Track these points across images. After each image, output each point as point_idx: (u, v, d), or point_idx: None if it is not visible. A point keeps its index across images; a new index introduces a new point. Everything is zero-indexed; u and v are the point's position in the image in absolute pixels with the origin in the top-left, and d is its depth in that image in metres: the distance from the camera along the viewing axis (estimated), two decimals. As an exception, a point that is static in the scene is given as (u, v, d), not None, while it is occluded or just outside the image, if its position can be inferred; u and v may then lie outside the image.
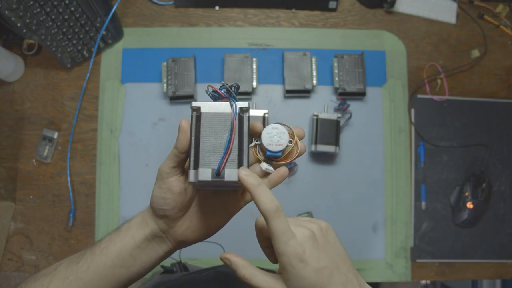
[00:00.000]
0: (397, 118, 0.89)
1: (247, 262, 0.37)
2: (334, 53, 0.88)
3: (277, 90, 0.89)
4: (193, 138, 0.39)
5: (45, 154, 0.85)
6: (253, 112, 0.81)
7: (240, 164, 0.38)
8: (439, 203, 0.87)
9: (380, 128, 0.88)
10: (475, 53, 0.91)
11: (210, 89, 0.40)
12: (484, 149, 0.88)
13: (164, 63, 0.85)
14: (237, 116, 0.38)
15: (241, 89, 0.85)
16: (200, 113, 0.39)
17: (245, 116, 0.39)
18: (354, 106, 0.86)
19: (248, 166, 0.38)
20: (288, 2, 0.90)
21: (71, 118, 0.87)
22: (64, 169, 0.86)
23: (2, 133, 0.87)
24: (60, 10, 0.79)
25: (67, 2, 0.79)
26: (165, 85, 0.85)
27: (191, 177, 0.37)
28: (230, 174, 0.37)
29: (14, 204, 0.85)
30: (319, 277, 0.34)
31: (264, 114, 0.81)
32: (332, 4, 0.91)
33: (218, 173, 0.37)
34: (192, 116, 0.39)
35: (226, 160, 0.37)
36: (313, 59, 0.86)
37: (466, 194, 0.85)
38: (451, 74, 0.91)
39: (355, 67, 0.86)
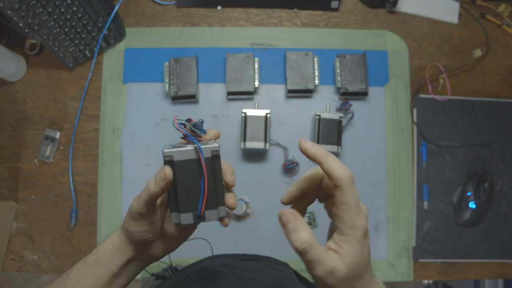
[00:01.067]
0: (399, 117, 0.88)
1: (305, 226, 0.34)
2: (336, 53, 0.88)
3: (279, 90, 0.89)
4: (171, 184, 0.40)
5: (47, 154, 0.85)
6: (255, 112, 0.81)
7: (218, 203, 0.41)
8: (441, 203, 0.87)
9: (382, 128, 0.88)
10: (477, 52, 0.91)
11: (175, 124, 0.41)
12: (486, 148, 0.88)
13: (166, 63, 0.85)
14: (208, 160, 0.40)
15: (243, 89, 0.85)
16: (173, 161, 0.41)
17: (216, 156, 0.40)
18: (356, 106, 0.86)
19: (223, 204, 0.41)
20: (290, 2, 0.90)
21: (73, 118, 0.87)
22: (66, 169, 0.86)
23: (4, 133, 0.87)
24: (62, 10, 0.79)
25: (69, 2, 0.79)
26: (167, 85, 0.85)
27: (174, 219, 0.41)
28: (210, 215, 0.41)
29: (16, 204, 0.85)
30: (369, 258, 0.35)
31: (266, 114, 0.81)
32: (334, 4, 0.90)
33: (199, 216, 0.40)
34: (165, 163, 0.41)
35: (204, 204, 0.40)
36: (315, 59, 0.86)
37: (469, 194, 0.85)
38: (453, 73, 0.91)
39: (357, 67, 0.86)
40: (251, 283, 0.54)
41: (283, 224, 0.35)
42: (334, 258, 0.33)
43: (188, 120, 0.41)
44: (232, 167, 0.43)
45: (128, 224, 0.42)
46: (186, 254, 0.82)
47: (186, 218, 0.41)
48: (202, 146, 0.40)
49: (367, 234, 0.34)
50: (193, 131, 0.41)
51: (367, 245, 0.34)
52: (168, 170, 0.39)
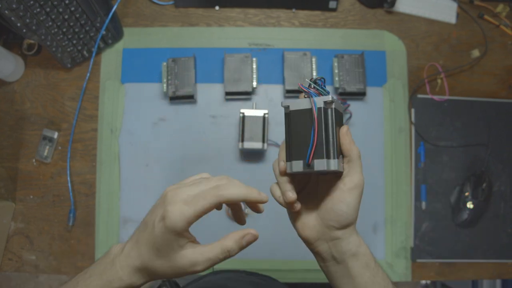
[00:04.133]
0: (397, 118, 0.89)
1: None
2: (334, 53, 0.88)
3: (277, 90, 0.89)
4: (287, 133, 0.44)
5: (45, 154, 0.85)
6: (253, 112, 0.81)
7: (328, 155, 0.41)
8: (439, 203, 0.87)
9: (380, 128, 0.88)
10: (475, 53, 0.91)
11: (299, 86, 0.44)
12: (484, 149, 0.88)
13: (164, 63, 0.85)
14: (321, 110, 0.42)
15: (241, 89, 0.85)
16: (290, 111, 0.44)
17: (329, 109, 0.42)
18: (354, 106, 0.86)
19: (336, 155, 0.42)
20: (289, 2, 0.90)
21: (71, 118, 0.87)
22: (64, 169, 0.86)
23: (2, 133, 0.87)
24: (60, 10, 0.79)
25: (67, 2, 0.79)
26: (165, 85, 0.85)
27: (288, 169, 0.43)
28: (319, 164, 0.41)
29: (14, 204, 0.85)
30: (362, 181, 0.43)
31: (264, 114, 0.81)
32: (332, 4, 0.91)
33: (308, 164, 0.41)
34: (284, 114, 0.45)
35: (313, 153, 0.41)
36: (313, 59, 0.86)
37: (466, 194, 0.85)
38: (451, 74, 0.91)
39: (355, 67, 0.86)
40: None
41: (345, 134, 0.43)
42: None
43: (316, 81, 0.44)
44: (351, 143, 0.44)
45: (152, 265, 0.38)
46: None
47: (296, 165, 0.42)
48: (315, 98, 0.42)
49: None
50: (314, 87, 0.43)
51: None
52: (253, 233, 0.41)
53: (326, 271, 0.46)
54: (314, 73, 0.86)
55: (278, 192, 0.45)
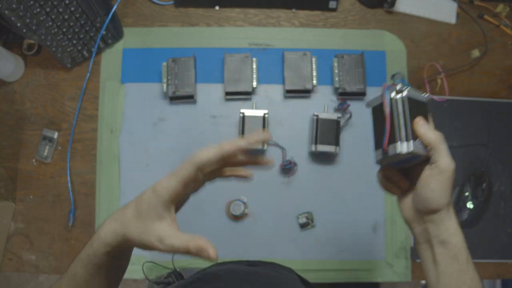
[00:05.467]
0: (397, 118, 0.88)
1: None
2: (334, 53, 0.88)
3: (277, 90, 0.89)
4: (374, 127, 0.48)
5: (45, 154, 0.85)
6: (253, 112, 0.81)
7: (399, 138, 0.43)
8: (439, 203, 0.87)
9: (380, 128, 0.88)
10: (475, 53, 0.91)
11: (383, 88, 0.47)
12: (484, 149, 0.88)
13: (164, 63, 0.85)
14: (391, 100, 0.44)
15: (241, 89, 0.85)
16: (372, 107, 0.48)
17: (400, 97, 0.44)
18: (354, 106, 0.86)
19: (410, 138, 0.43)
20: (289, 2, 0.90)
21: (71, 118, 0.87)
22: (64, 169, 0.86)
23: (2, 133, 0.87)
24: (60, 10, 0.79)
25: (67, 2, 0.79)
26: (165, 85, 0.85)
27: (376, 158, 0.47)
28: (392, 149, 0.44)
29: (14, 204, 0.85)
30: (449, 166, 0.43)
31: (264, 114, 0.81)
32: (332, 4, 0.90)
33: (384, 151, 0.45)
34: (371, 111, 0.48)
35: (387, 140, 0.44)
36: (313, 59, 0.86)
37: (467, 194, 0.85)
38: (451, 74, 0.91)
39: (355, 67, 0.86)
40: (251, 285, 0.54)
41: (419, 124, 0.44)
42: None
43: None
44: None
45: (129, 220, 0.40)
46: (190, 257, 0.82)
47: (378, 154, 0.46)
48: (386, 90, 0.44)
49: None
50: (393, 83, 0.45)
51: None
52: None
53: (419, 254, 0.47)
54: (314, 73, 0.86)
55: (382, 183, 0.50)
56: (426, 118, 0.45)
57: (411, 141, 0.43)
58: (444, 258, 0.43)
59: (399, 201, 0.49)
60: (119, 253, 0.43)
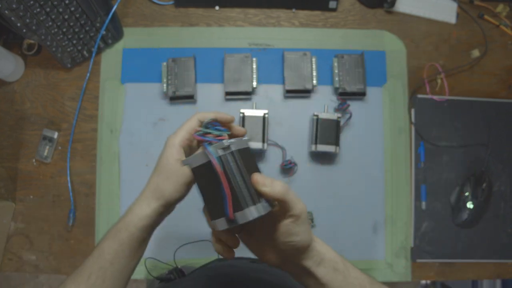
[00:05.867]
0: (397, 118, 0.89)
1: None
2: (334, 53, 0.88)
3: (277, 90, 0.89)
4: (200, 192, 0.41)
5: (45, 154, 0.85)
6: (253, 112, 0.81)
7: (246, 204, 0.38)
8: (439, 203, 0.87)
9: (380, 128, 0.88)
10: (475, 53, 0.91)
11: (197, 134, 0.43)
12: (484, 149, 0.88)
13: (164, 63, 0.85)
14: (220, 159, 0.38)
15: (241, 89, 0.85)
16: (192, 168, 0.41)
17: (229, 154, 0.38)
18: (354, 106, 0.86)
19: (257, 199, 0.38)
20: (289, 2, 0.90)
21: (71, 118, 0.87)
22: (64, 169, 0.86)
23: (2, 133, 0.87)
24: (60, 10, 0.79)
25: (67, 2, 0.79)
26: (165, 85, 0.85)
27: (216, 227, 0.40)
28: (242, 216, 0.38)
29: (14, 204, 0.85)
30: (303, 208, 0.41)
31: (264, 114, 0.81)
32: (332, 4, 0.91)
33: (230, 220, 0.38)
34: (193, 173, 0.42)
35: (231, 207, 0.37)
36: (313, 59, 0.86)
37: (467, 194, 0.85)
38: (451, 74, 0.91)
39: (355, 67, 0.86)
40: (259, 283, 0.54)
41: (261, 185, 0.38)
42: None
43: (207, 125, 0.43)
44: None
45: (163, 188, 0.44)
46: (191, 255, 0.82)
47: (221, 223, 0.39)
48: (209, 147, 0.38)
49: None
50: (208, 133, 0.40)
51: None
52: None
53: (304, 286, 0.46)
54: (314, 73, 0.86)
55: (217, 248, 0.45)
56: (257, 168, 0.41)
57: (260, 204, 0.38)
58: (327, 275, 0.43)
59: (253, 251, 0.46)
60: (150, 225, 0.45)
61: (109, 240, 0.45)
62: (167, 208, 0.45)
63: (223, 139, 0.40)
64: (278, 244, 0.42)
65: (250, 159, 0.40)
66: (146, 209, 0.44)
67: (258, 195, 0.38)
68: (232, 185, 0.37)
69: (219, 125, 0.42)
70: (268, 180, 0.38)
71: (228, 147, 0.38)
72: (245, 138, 0.42)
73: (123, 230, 0.45)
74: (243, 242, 0.46)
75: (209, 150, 0.38)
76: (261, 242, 0.44)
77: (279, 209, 0.40)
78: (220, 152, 0.38)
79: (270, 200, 0.39)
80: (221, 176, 0.37)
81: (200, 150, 0.40)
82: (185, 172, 0.43)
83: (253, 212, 0.37)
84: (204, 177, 0.39)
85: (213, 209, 0.39)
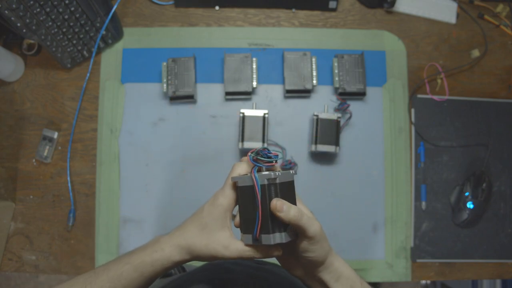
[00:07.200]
0: (397, 118, 0.89)
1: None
2: (334, 53, 0.88)
3: (277, 90, 0.89)
4: (239, 206, 0.45)
5: (45, 154, 0.85)
6: (253, 112, 0.81)
7: (272, 230, 0.42)
8: (439, 203, 0.87)
9: (380, 128, 0.88)
10: (475, 53, 0.91)
11: (251, 156, 0.45)
12: (484, 149, 0.88)
13: (164, 63, 0.85)
14: (264, 187, 0.42)
15: (241, 89, 0.85)
16: (237, 186, 0.45)
17: (273, 185, 0.42)
18: (354, 106, 0.86)
19: (282, 229, 0.43)
20: (288, 2, 0.90)
21: (71, 118, 0.87)
22: (64, 169, 0.86)
23: (2, 133, 0.87)
24: (60, 10, 0.79)
25: (67, 2, 0.79)
26: (165, 85, 0.85)
27: (243, 239, 0.45)
28: (266, 239, 0.43)
29: (14, 204, 0.85)
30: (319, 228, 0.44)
31: (264, 114, 0.81)
32: (332, 4, 0.90)
33: (256, 239, 0.43)
34: (236, 189, 0.45)
35: (259, 229, 0.43)
36: (313, 59, 0.86)
37: (466, 194, 0.85)
38: (451, 74, 0.91)
39: (355, 67, 0.86)
40: (261, 282, 0.55)
41: (279, 210, 0.41)
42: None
43: (262, 151, 0.44)
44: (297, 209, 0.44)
45: (199, 249, 0.44)
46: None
47: (247, 238, 0.44)
48: (257, 174, 0.42)
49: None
50: (258, 158, 0.44)
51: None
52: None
53: None
54: (314, 73, 0.86)
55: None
56: (293, 199, 0.45)
57: (284, 232, 0.43)
58: None
59: (282, 265, 0.50)
60: (172, 268, 0.46)
61: (131, 267, 0.45)
62: (197, 259, 0.46)
63: (272, 165, 0.45)
64: (298, 258, 0.46)
65: (290, 192, 0.45)
66: (177, 257, 0.45)
67: (285, 225, 0.43)
68: (266, 212, 0.42)
69: (269, 153, 0.44)
70: (285, 207, 0.42)
71: (273, 179, 0.42)
72: (292, 171, 0.46)
73: (148, 265, 0.44)
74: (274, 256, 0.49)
75: (256, 178, 0.42)
76: (287, 257, 0.48)
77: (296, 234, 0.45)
78: (265, 182, 0.42)
79: (294, 231, 0.44)
80: (259, 202, 0.42)
81: (247, 174, 0.44)
82: (222, 236, 0.44)
83: (276, 238, 0.42)
84: (246, 196, 0.44)
85: (244, 224, 0.45)
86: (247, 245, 0.44)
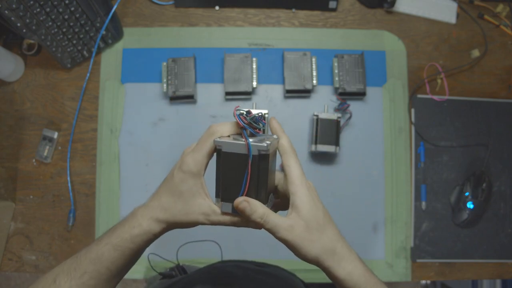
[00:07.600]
0: (397, 118, 0.89)
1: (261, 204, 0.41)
2: (334, 53, 0.88)
3: (277, 90, 0.89)
4: (218, 171, 0.42)
5: (45, 154, 0.85)
6: (253, 112, 0.81)
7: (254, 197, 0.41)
8: (439, 203, 0.87)
9: (380, 128, 0.88)
10: (475, 53, 0.91)
11: (237, 113, 0.42)
12: (484, 149, 0.88)
13: (164, 63, 0.85)
14: (256, 158, 0.40)
15: (241, 89, 0.85)
16: (221, 151, 0.42)
17: (264, 155, 0.40)
18: (354, 106, 0.86)
19: (266, 200, 0.42)
20: (288, 2, 0.90)
21: (71, 118, 0.87)
22: (64, 169, 0.86)
23: (2, 133, 0.87)
24: (60, 10, 0.79)
25: (67, 2, 0.79)
26: (165, 85, 0.85)
27: (223, 208, 0.43)
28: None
29: (14, 204, 0.85)
30: (327, 212, 0.45)
31: (264, 114, 0.81)
32: (332, 4, 0.91)
33: (233, 208, 0.41)
34: (217, 151, 0.43)
35: (245, 194, 0.41)
36: (313, 59, 0.86)
37: (466, 194, 0.85)
38: (451, 74, 0.91)
39: (355, 67, 0.86)
40: (262, 284, 0.54)
41: (242, 212, 0.40)
42: (291, 218, 0.41)
43: (248, 113, 0.42)
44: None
45: (175, 212, 0.43)
46: (193, 254, 0.82)
47: (226, 207, 0.42)
48: (251, 143, 0.40)
49: (311, 187, 0.44)
50: (251, 124, 0.42)
51: (315, 196, 0.44)
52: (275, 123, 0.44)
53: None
54: (314, 73, 0.86)
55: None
56: (274, 162, 0.44)
57: (269, 202, 0.42)
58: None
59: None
60: (154, 240, 0.45)
61: (111, 246, 0.44)
62: (176, 227, 0.45)
63: (259, 133, 0.43)
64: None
65: (274, 158, 0.44)
66: (155, 227, 0.44)
67: (267, 196, 0.42)
68: (253, 182, 0.41)
69: (262, 120, 0.43)
70: (248, 209, 0.40)
71: (265, 151, 0.40)
72: (275, 136, 0.44)
73: (128, 241, 0.43)
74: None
75: (250, 147, 0.40)
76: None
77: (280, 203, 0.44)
78: (257, 152, 0.40)
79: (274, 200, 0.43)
80: (249, 174, 0.40)
81: (234, 140, 0.41)
82: (202, 204, 0.43)
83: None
84: (230, 163, 0.41)
85: (224, 191, 0.42)
86: (225, 213, 0.43)
